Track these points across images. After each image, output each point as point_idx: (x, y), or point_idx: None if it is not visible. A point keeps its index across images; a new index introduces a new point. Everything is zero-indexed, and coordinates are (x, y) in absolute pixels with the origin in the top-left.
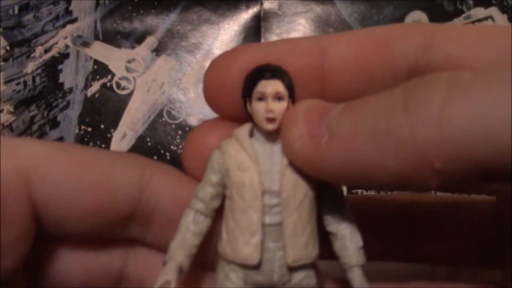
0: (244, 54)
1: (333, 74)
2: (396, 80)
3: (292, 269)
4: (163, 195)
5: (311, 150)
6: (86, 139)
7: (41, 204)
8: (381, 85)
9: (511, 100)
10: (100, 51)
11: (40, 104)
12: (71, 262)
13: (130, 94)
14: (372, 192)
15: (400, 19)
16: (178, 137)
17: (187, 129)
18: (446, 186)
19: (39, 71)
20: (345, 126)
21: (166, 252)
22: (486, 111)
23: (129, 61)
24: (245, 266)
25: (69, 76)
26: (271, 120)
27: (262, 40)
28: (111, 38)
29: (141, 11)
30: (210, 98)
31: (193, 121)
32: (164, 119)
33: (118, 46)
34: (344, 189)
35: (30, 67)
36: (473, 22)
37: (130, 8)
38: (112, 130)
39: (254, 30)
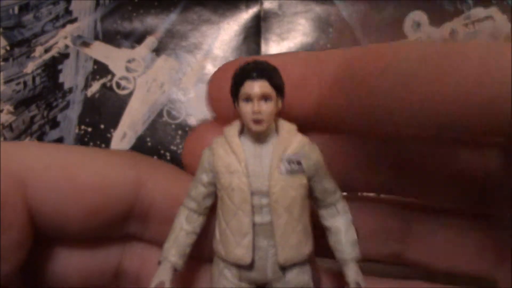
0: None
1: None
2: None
3: (284, 268)
4: (159, 193)
5: None
6: (86, 139)
7: (37, 208)
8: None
9: None
10: (100, 51)
11: (40, 104)
12: (68, 262)
13: (130, 94)
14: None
15: (400, 19)
16: (178, 137)
17: (187, 129)
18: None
19: (39, 71)
20: None
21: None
22: None
23: (129, 61)
24: (238, 265)
25: (69, 76)
26: (258, 121)
27: (262, 40)
28: (111, 38)
29: (141, 11)
30: (214, 109)
31: (193, 121)
32: (164, 119)
33: (118, 46)
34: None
35: (30, 67)
36: (473, 22)
37: (130, 8)
38: (112, 130)
39: (254, 30)
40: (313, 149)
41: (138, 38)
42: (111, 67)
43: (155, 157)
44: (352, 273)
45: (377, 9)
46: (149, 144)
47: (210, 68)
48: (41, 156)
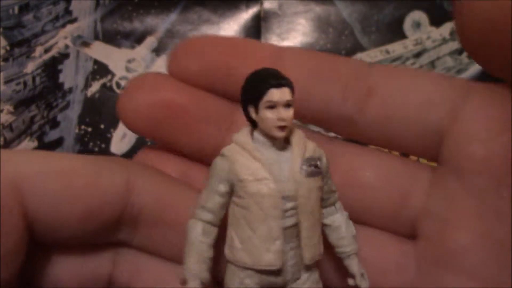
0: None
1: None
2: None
3: (307, 267)
4: (148, 198)
5: None
6: (86, 139)
7: (33, 214)
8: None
9: None
10: (100, 51)
11: (40, 104)
12: (62, 268)
13: None
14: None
15: (400, 19)
16: None
17: None
18: None
19: (39, 71)
20: None
21: (155, 255)
22: None
23: (129, 61)
24: (264, 272)
25: (69, 76)
26: (282, 128)
27: (262, 40)
28: (111, 38)
29: (141, 11)
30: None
31: None
32: None
33: (118, 46)
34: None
35: (30, 67)
36: None
37: (130, 8)
38: (112, 130)
39: (254, 30)
40: (322, 152)
41: (138, 38)
42: (111, 67)
43: None
44: (355, 265)
45: (377, 9)
46: (149, 144)
47: None
48: (35, 162)
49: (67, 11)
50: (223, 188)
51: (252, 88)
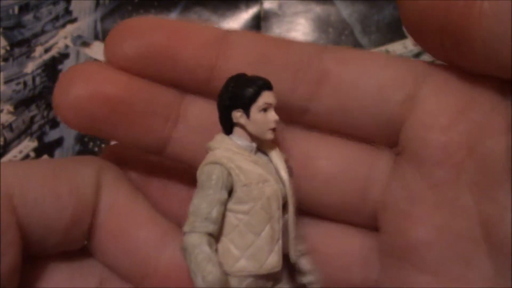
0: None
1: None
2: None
3: (284, 267)
4: (106, 202)
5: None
6: (86, 139)
7: (26, 225)
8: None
9: None
10: (100, 51)
11: (40, 104)
12: (52, 281)
13: None
14: None
15: (400, 19)
16: None
17: None
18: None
19: (39, 71)
20: None
21: (118, 273)
22: None
23: None
24: (265, 276)
25: None
26: (274, 130)
27: None
28: None
29: (141, 11)
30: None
31: None
32: None
33: None
34: None
35: (30, 67)
36: None
37: (130, 8)
38: None
39: (254, 30)
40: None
41: None
42: None
43: None
44: (308, 263)
45: (377, 9)
46: None
47: None
48: (23, 172)
49: (67, 11)
50: (224, 195)
51: (242, 92)
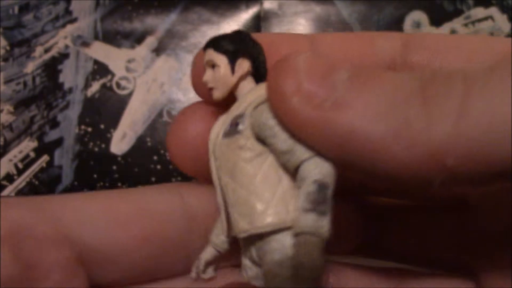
0: None
1: None
2: None
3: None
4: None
5: (311, 110)
6: (86, 139)
7: (92, 269)
8: None
9: None
10: (100, 51)
11: (40, 104)
12: None
13: (130, 94)
14: None
15: (400, 19)
16: None
17: None
18: (448, 184)
19: (39, 71)
20: (355, 96)
21: None
22: (505, 108)
23: (129, 61)
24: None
25: (69, 76)
26: (210, 90)
27: None
28: (111, 38)
29: (141, 11)
30: (199, 93)
31: None
32: (164, 119)
33: (118, 46)
34: None
35: (30, 67)
36: (473, 22)
37: (130, 8)
38: (112, 130)
39: (254, 30)
40: (261, 109)
41: (138, 38)
42: (111, 67)
43: (155, 157)
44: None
45: (377, 9)
46: (149, 144)
47: None
48: (80, 205)
49: (67, 11)
50: None
51: None
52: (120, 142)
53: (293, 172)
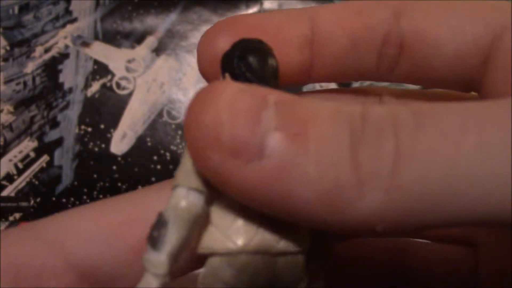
0: (238, 26)
1: (321, 40)
2: (374, 48)
3: None
4: None
5: (237, 171)
6: (86, 139)
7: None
8: (361, 52)
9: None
10: (100, 51)
11: (40, 104)
12: None
13: (130, 94)
14: None
15: None
16: (178, 137)
17: None
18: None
19: (39, 71)
20: (283, 151)
21: None
22: (437, 172)
23: (129, 61)
24: None
25: (69, 76)
26: None
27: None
28: (111, 38)
29: (141, 11)
30: (204, 71)
31: None
32: (164, 119)
33: (118, 46)
34: None
35: (30, 67)
36: None
37: (130, 8)
38: (112, 130)
39: None
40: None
41: (138, 38)
42: (111, 67)
43: (155, 157)
44: None
45: None
46: (149, 144)
47: None
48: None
49: (67, 11)
50: None
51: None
52: (120, 142)
53: None
